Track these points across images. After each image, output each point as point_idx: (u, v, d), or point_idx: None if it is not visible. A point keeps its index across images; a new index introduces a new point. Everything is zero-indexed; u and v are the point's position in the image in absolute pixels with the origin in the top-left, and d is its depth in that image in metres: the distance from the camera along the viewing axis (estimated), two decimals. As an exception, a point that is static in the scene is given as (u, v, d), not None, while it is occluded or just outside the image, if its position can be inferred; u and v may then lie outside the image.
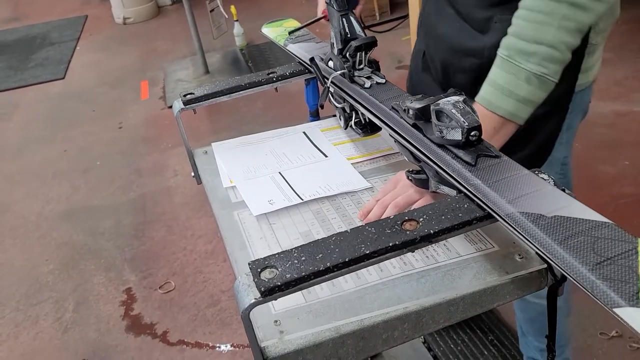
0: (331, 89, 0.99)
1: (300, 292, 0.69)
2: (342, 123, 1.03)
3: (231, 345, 1.80)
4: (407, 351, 1.63)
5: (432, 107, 0.71)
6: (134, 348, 1.86)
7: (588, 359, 1.60)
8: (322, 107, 1.11)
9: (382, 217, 0.76)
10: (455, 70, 1.00)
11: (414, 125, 0.76)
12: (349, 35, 0.95)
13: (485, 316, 1.76)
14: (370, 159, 1.00)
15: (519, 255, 0.73)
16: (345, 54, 0.94)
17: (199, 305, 1.98)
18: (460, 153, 0.69)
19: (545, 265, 0.70)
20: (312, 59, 1.05)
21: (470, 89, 0.94)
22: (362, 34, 0.95)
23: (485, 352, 1.65)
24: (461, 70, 0.98)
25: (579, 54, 0.87)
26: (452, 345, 1.68)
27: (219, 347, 1.81)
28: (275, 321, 0.66)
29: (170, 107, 3.47)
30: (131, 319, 1.98)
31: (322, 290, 0.70)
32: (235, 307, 1.95)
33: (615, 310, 0.47)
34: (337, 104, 1.02)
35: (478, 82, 0.95)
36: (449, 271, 0.72)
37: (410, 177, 0.78)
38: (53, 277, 2.23)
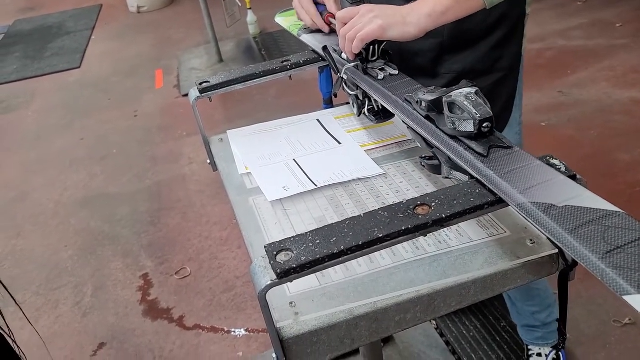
0: (344, 77, 1.00)
1: (314, 275, 0.71)
2: (355, 110, 1.04)
3: (246, 330, 1.84)
4: (420, 337, 1.65)
5: (444, 99, 0.72)
6: (151, 332, 1.90)
7: (601, 346, 1.60)
8: (335, 95, 1.12)
9: (348, 48, 0.91)
10: (415, 53, 1.06)
11: (427, 117, 0.77)
12: None
13: (498, 303, 1.77)
14: (383, 146, 1.01)
15: (531, 240, 0.74)
16: None
17: (214, 291, 2.02)
18: (473, 144, 0.69)
19: (556, 250, 0.71)
20: (324, 48, 1.06)
21: (432, 70, 1.07)
22: None
23: (498, 339, 1.66)
24: (420, 53, 1.06)
25: (521, 23, 1.04)
26: (464, 331, 1.70)
27: (234, 331, 1.84)
28: (291, 303, 0.68)
29: (185, 95, 3.50)
30: (148, 303, 2.02)
31: (336, 274, 0.72)
32: (250, 292, 1.98)
33: (625, 297, 0.48)
34: (350, 92, 1.03)
35: (439, 62, 1.06)
36: (461, 256, 0.73)
37: (423, 163, 0.80)
38: (72, 263, 2.28)
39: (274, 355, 0.65)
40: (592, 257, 0.52)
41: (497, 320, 1.72)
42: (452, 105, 0.70)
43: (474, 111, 0.68)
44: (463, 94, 0.69)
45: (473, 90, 0.70)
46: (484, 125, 0.68)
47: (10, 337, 0.72)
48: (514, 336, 1.66)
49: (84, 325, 1.97)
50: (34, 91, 4.01)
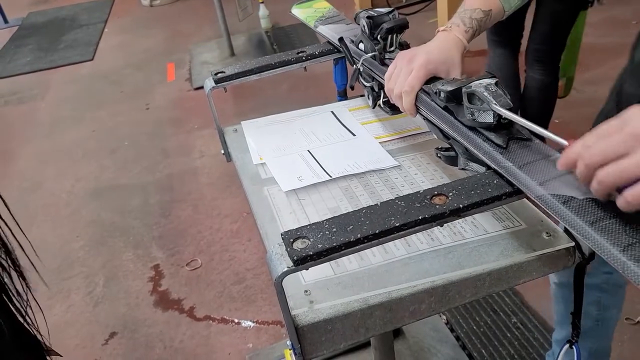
0: (361, 68, 1.00)
1: (329, 264, 0.71)
2: (370, 102, 1.04)
3: (256, 322, 1.84)
4: (430, 331, 1.65)
5: (464, 89, 0.71)
6: (161, 322, 1.91)
7: (614, 344, 1.59)
8: (352, 88, 1.12)
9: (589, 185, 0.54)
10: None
11: (445, 108, 0.76)
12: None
13: (509, 299, 1.76)
14: (398, 138, 1.01)
15: (547, 233, 0.73)
16: (377, 36, 0.95)
17: (224, 283, 2.03)
18: (492, 136, 0.69)
19: (572, 244, 0.71)
20: (340, 39, 1.06)
21: None
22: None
23: (509, 335, 1.66)
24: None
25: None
26: (474, 327, 1.69)
27: (244, 323, 1.85)
28: (306, 291, 0.68)
29: (197, 89, 3.51)
30: (159, 294, 2.03)
31: (350, 263, 0.72)
32: (260, 285, 1.99)
33: None
34: (365, 83, 1.03)
35: None
36: (476, 247, 0.73)
37: (439, 154, 0.79)
38: (84, 253, 2.29)
39: (288, 342, 0.65)
40: (613, 249, 0.52)
41: (508, 317, 1.71)
42: (471, 96, 0.70)
43: (494, 102, 0.67)
44: (483, 84, 0.69)
45: (493, 81, 0.70)
46: (504, 116, 0.68)
47: (30, 322, 0.73)
48: (525, 333, 1.65)
49: (95, 315, 1.98)
50: (47, 83, 4.03)
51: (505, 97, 0.68)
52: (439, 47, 0.85)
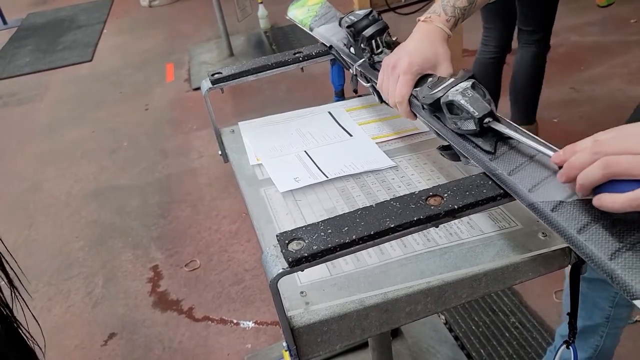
0: (356, 74, 1.00)
1: (325, 265, 0.71)
2: (376, 98, 1.03)
3: (254, 323, 1.84)
4: (429, 331, 1.65)
5: (442, 100, 0.71)
6: (160, 323, 1.91)
7: (611, 343, 1.59)
8: (356, 92, 1.11)
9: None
10: None
11: (434, 116, 0.76)
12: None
13: (508, 299, 1.76)
14: (395, 139, 1.01)
15: (543, 233, 0.73)
16: (361, 44, 0.94)
17: (223, 283, 2.03)
18: (479, 142, 0.68)
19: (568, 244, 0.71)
20: (330, 47, 1.06)
21: None
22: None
23: (507, 334, 1.66)
24: None
25: None
26: (473, 327, 1.70)
27: (243, 323, 1.85)
28: (301, 292, 0.68)
29: (195, 89, 3.51)
30: (158, 295, 2.03)
31: (346, 265, 0.72)
32: (258, 285, 1.99)
33: (636, 302, 0.47)
34: (364, 83, 1.02)
35: None
36: (472, 248, 0.73)
37: (442, 153, 0.79)
38: (83, 254, 2.30)
39: (284, 344, 0.65)
40: (602, 257, 0.50)
41: (507, 317, 1.71)
42: (450, 106, 0.70)
43: (472, 109, 0.66)
44: (459, 90, 0.68)
45: (469, 83, 0.69)
46: (485, 120, 0.67)
47: (22, 327, 0.72)
48: (523, 333, 1.65)
49: (94, 315, 1.99)
50: (46, 84, 4.04)
51: (483, 101, 0.67)
52: (420, 43, 0.83)
